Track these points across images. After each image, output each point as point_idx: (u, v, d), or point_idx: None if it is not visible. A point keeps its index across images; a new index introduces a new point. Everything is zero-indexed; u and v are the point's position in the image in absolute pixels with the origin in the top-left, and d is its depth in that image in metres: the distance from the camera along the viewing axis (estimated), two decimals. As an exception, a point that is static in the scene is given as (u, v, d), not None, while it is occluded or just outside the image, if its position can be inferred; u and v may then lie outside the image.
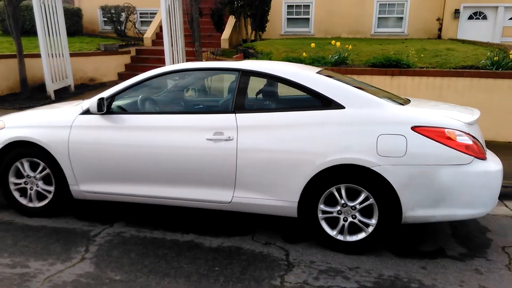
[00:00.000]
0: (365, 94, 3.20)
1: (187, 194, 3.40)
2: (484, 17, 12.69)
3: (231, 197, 3.32)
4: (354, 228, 3.18)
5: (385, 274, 2.92)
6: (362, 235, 3.15)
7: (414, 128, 2.98)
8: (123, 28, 14.88)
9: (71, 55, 9.89)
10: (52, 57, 9.07)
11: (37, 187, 3.71)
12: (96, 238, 3.39)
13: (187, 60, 9.71)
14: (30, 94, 9.27)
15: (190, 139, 3.31)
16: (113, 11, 14.58)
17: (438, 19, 13.57)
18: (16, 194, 3.78)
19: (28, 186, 3.74)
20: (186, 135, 3.32)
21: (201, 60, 8.05)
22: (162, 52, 12.12)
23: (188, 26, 8.69)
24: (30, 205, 3.76)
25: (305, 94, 3.30)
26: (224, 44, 12.28)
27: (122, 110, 3.61)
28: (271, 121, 3.20)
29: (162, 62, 11.71)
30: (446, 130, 2.97)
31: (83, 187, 3.60)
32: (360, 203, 3.10)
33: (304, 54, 7.29)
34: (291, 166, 3.13)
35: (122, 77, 11.43)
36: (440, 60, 7.34)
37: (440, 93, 6.36)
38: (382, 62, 6.73)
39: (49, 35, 8.95)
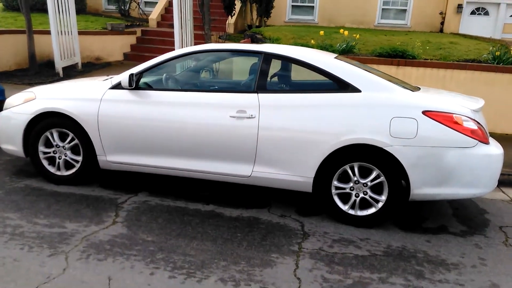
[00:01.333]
0: (379, 79, 3.43)
1: (209, 167, 3.63)
2: (486, 13, 12.91)
3: (251, 172, 3.56)
4: (364, 204, 3.44)
5: (393, 245, 3.20)
6: (372, 210, 3.42)
7: (425, 113, 3.23)
8: (127, 8, 14.90)
9: (79, 33, 9.97)
10: (61, 34, 9.18)
11: (66, 156, 3.93)
12: (123, 205, 3.62)
13: (195, 43, 9.85)
14: (38, 70, 9.39)
15: (214, 116, 3.53)
16: (119, -9, 14.57)
17: (440, 13, 13.76)
18: (45, 163, 3.99)
19: (56, 155, 3.95)
20: (210, 112, 3.55)
21: (210, 43, 8.20)
22: (167, 34, 12.28)
23: (199, 9, 8.82)
24: (58, 173, 3.98)
25: (323, 77, 3.53)
26: (230, 29, 12.41)
27: (149, 87, 3.82)
28: (291, 101, 3.43)
29: (167, 44, 11.86)
30: (454, 115, 3.23)
31: (110, 157, 3.82)
32: (372, 180, 3.36)
33: (312, 41, 7.49)
34: (308, 144, 3.37)
35: (127, 57, 11.57)
36: (443, 53, 7.57)
37: (443, 84, 6.61)
38: (388, 52, 6.95)
39: (59, 12, 9.03)
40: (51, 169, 3.99)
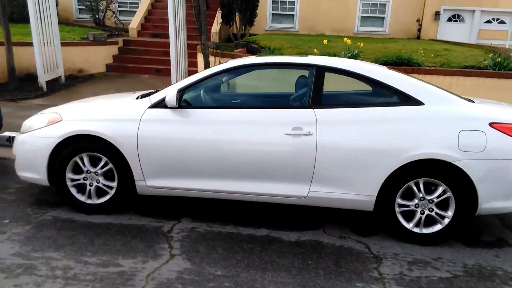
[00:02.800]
0: (441, 91, 3.34)
1: (262, 188, 3.40)
2: (462, 20, 13.38)
3: (307, 192, 3.36)
4: (429, 221, 3.32)
5: (468, 263, 3.08)
6: (438, 227, 3.30)
7: (491, 125, 3.16)
8: (101, 17, 14.34)
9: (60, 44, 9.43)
10: (44, 46, 8.63)
11: (98, 183, 3.58)
12: (171, 234, 3.32)
13: (189, 54, 9.54)
14: (18, 85, 8.80)
15: (267, 134, 3.32)
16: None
17: (417, 20, 14.13)
18: (73, 191, 3.62)
19: (87, 182, 3.59)
20: (263, 130, 3.33)
21: (207, 54, 7.95)
22: (150, 44, 11.90)
23: (195, 18, 8.53)
24: (89, 201, 3.62)
25: (380, 89, 3.39)
26: (214, 38, 12.16)
27: (190, 104, 3.55)
28: (351, 116, 3.27)
29: (152, 54, 11.48)
30: (520, 127, 3.17)
31: (150, 182, 3.50)
32: (438, 196, 3.25)
33: (315, 50, 7.39)
34: (371, 161, 3.22)
35: (110, 68, 11.09)
36: (442, 60, 7.69)
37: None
38: (394, 60, 6.97)
39: (41, 22, 8.49)
40: (81, 198, 3.62)
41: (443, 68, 7.01)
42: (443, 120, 3.19)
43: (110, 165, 3.52)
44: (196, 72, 10.23)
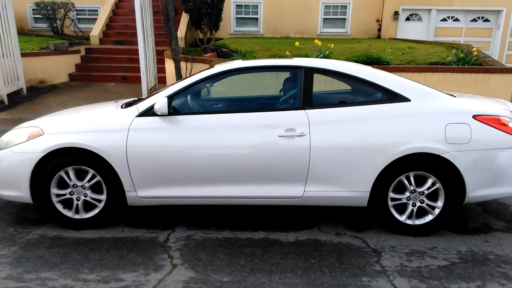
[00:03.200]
0: (426, 87, 3.46)
1: (257, 191, 3.39)
2: (419, 19, 13.93)
3: (303, 192, 3.38)
4: (421, 212, 3.42)
5: (461, 250, 3.20)
6: (429, 218, 3.41)
7: (475, 117, 3.30)
8: (59, 25, 13.86)
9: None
10: (3, 57, 8.24)
11: (85, 196, 3.44)
12: (168, 244, 3.25)
13: (158, 60, 9.39)
14: (-24, 100, 8.34)
15: (260, 137, 3.32)
16: (49, 8, 13.50)
17: (377, 20, 14.59)
18: (59, 206, 3.46)
19: (74, 197, 3.45)
20: (256, 133, 3.32)
21: (178, 59, 7.85)
22: (114, 51, 11.62)
23: (163, 24, 8.40)
24: (77, 216, 3.48)
25: (368, 88, 3.47)
26: (180, 43, 12.02)
27: (181, 111, 3.49)
28: (342, 115, 3.33)
29: (116, 62, 11.21)
30: (500, 117, 3.34)
31: (142, 192, 3.41)
32: (428, 188, 3.35)
33: (287, 52, 7.47)
34: (364, 158, 3.28)
35: (73, 78, 10.75)
36: (408, 58, 7.97)
37: (421, 87, 6.91)
38: (364, 60, 7.15)
39: (-1, 33, 8.11)
40: (68, 213, 3.47)
41: (411, 65, 7.26)
42: (430, 115, 3.30)
43: (98, 178, 3.40)
44: (165, 78, 10.12)
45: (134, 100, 4.05)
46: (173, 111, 3.46)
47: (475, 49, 7.55)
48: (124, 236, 3.38)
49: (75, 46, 11.71)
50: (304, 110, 3.35)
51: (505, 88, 7.10)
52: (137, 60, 11.08)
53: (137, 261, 2.99)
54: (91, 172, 3.39)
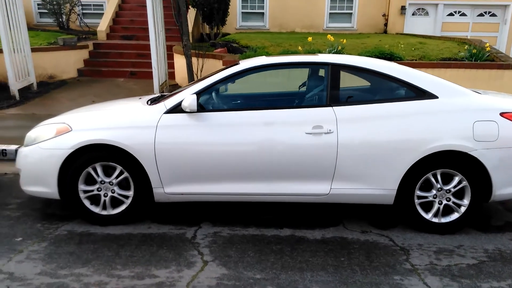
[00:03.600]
0: (452, 84, 3.46)
1: (284, 189, 3.40)
2: (426, 13, 13.87)
3: (329, 189, 3.39)
4: (446, 210, 3.44)
5: (488, 248, 3.22)
6: (455, 216, 3.42)
7: (502, 114, 3.30)
8: (64, 20, 13.82)
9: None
10: (14, 52, 8.21)
11: (113, 193, 3.46)
12: (196, 240, 3.27)
13: (170, 55, 9.37)
14: (-13, 94, 8.34)
15: (288, 134, 3.32)
16: (55, 2, 13.45)
17: (383, 15, 14.53)
18: (87, 202, 3.48)
19: (101, 193, 3.46)
20: (283, 130, 3.33)
21: (190, 55, 7.83)
22: (122, 46, 11.58)
23: (175, 19, 8.37)
24: (104, 213, 3.49)
25: (395, 84, 3.47)
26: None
27: (206, 108, 3.50)
28: (369, 112, 3.33)
29: (125, 57, 11.19)
30: (527, 115, 3.34)
31: (169, 189, 3.43)
32: (454, 186, 3.36)
33: (299, 48, 7.46)
34: (392, 156, 3.29)
35: (82, 73, 10.71)
36: (419, 53, 7.95)
37: (434, 83, 6.91)
38: (377, 55, 7.14)
39: (10, 28, 8.08)
40: (95, 209, 3.49)
41: (424, 61, 7.25)
42: (458, 112, 3.30)
43: (126, 174, 3.41)
44: (173, 73, 10.11)
45: (158, 96, 4.05)
46: (199, 108, 3.47)
47: (487, 44, 7.53)
48: (152, 232, 3.39)
49: (83, 41, 11.67)
50: (331, 107, 3.36)
51: (518, 85, 7.09)
52: (145, 55, 11.12)
53: (168, 257, 3.00)
54: (119, 168, 3.40)
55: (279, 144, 3.32)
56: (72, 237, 3.28)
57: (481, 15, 13.79)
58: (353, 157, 3.31)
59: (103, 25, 12.53)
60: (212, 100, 3.67)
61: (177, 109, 3.38)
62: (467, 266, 2.95)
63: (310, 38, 7.77)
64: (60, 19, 13.77)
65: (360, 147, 3.30)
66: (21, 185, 3.56)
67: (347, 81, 3.92)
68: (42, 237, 3.27)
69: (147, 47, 11.32)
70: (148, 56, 11.03)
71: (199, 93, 3.40)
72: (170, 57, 10.16)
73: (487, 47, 7.34)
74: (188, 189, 3.43)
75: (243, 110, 3.41)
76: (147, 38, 12.23)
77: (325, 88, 3.44)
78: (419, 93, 3.39)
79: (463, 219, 3.42)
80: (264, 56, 3.85)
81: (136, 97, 4.27)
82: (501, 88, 6.94)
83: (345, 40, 7.66)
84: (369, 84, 3.75)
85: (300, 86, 4.35)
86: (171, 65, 10.12)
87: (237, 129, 3.33)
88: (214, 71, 3.91)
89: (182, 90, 3.61)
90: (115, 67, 10.91)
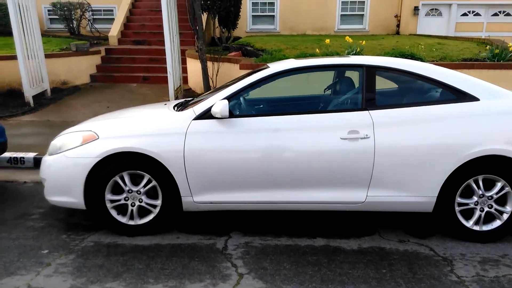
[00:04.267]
0: (493, 85, 3.32)
1: (318, 196, 3.28)
2: (440, 14, 13.70)
3: (365, 197, 3.26)
4: (488, 217, 3.28)
5: (535, 257, 3.06)
6: (497, 223, 3.27)
7: (545, 118, 3.15)
8: (75, 26, 13.82)
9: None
10: (28, 59, 8.17)
11: (141, 202, 3.35)
12: (228, 251, 3.14)
13: (183, 60, 9.29)
14: (2, 101, 8.31)
15: (322, 139, 3.19)
16: (66, 8, 13.45)
17: (396, 16, 14.38)
18: (113, 212, 3.37)
19: (129, 202, 3.35)
20: (317, 135, 3.20)
21: (205, 59, 7.74)
22: (134, 51, 11.54)
23: (190, 23, 8.28)
24: (131, 223, 3.38)
25: (433, 87, 3.34)
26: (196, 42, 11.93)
27: (235, 113, 3.39)
28: (407, 116, 3.19)
29: (137, 62, 11.13)
30: None
31: (198, 198, 3.31)
32: (497, 192, 3.21)
33: (317, 50, 7.33)
34: (432, 161, 3.15)
35: (95, 79, 10.67)
36: (439, 54, 7.79)
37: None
38: (397, 56, 6.97)
39: (24, 34, 8.04)
40: (122, 219, 3.38)
41: (445, 62, 7.09)
42: (500, 115, 3.16)
43: (154, 183, 3.30)
44: (187, 78, 10.02)
45: (184, 101, 3.95)
46: (236, 112, 3.36)
47: (510, 44, 7.36)
48: (181, 242, 3.27)
49: (94, 47, 11.64)
50: (367, 111, 3.23)
51: (543, 85, 6.91)
52: (158, 60, 11.07)
53: (201, 269, 2.88)
54: (147, 177, 3.29)
55: (313, 150, 3.19)
56: (99, 249, 3.17)
57: (495, 14, 13.60)
58: (391, 163, 3.17)
59: (114, 30, 12.50)
60: (240, 105, 3.55)
61: (206, 115, 3.27)
62: (517, 278, 2.80)
63: (327, 41, 7.64)
64: (71, 25, 13.79)
65: (398, 153, 3.16)
66: (45, 195, 3.46)
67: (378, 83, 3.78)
68: (68, 249, 3.17)
69: (159, 52, 11.33)
70: (161, 60, 11.02)
71: (229, 98, 3.28)
72: (183, 61, 10.08)
73: (510, 46, 7.16)
74: (218, 198, 3.31)
75: (274, 115, 3.29)
76: (158, 42, 12.26)
77: (360, 91, 3.31)
78: (460, 96, 3.25)
79: (505, 227, 3.26)
80: (292, 59, 3.73)
81: (161, 103, 4.17)
82: (526, 89, 6.76)
83: (364, 41, 7.52)
84: (403, 86, 3.60)
85: (325, 89, 4.22)
86: (184, 70, 10.04)
87: (269, 135, 3.21)
88: (241, 76, 3.80)
89: (210, 95, 3.49)
90: (127, 72, 10.86)
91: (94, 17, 14.91)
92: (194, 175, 3.24)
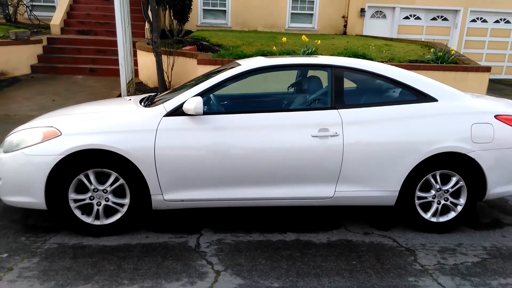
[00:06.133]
0: (450, 87, 3.55)
1: (289, 193, 3.34)
2: (384, 16, 14.34)
3: (333, 192, 3.37)
4: (444, 210, 3.53)
5: (486, 246, 3.34)
6: (452, 215, 3.52)
7: (497, 117, 3.44)
8: (10, 12, 12.87)
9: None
10: (-37, 47, 7.52)
11: (107, 201, 3.22)
12: (201, 249, 3.12)
13: (133, 52, 8.99)
14: None
15: (293, 137, 3.26)
16: (2, -8, 12.49)
17: (343, 17, 14.86)
18: (77, 212, 3.22)
19: (94, 202, 3.22)
20: (289, 133, 3.26)
21: (160, 52, 7.56)
22: (79, 42, 11.00)
23: (143, 15, 8.02)
24: (97, 223, 3.25)
25: (397, 88, 3.51)
26: (148, 35, 11.60)
27: (209, 110, 3.36)
28: (374, 115, 3.34)
29: (82, 53, 10.63)
30: (518, 117, 3.50)
31: (168, 196, 3.25)
32: (452, 186, 3.46)
33: (274, 48, 7.41)
34: (396, 158, 3.32)
35: (36, 70, 10.04)
36: (388, 55, 8.18)
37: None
38: (350, 56, 7.24)
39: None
40: (87, 219, 3.24)
41: (394, 62, 7.46)
42: (457, 115, 3.39)
43: (121, 181, 3.19)
44: (137, 71, 9.72)
45: (149, 96, 3.85)
46: (207, 109, 3.33)
47: (452, 48, 7.89)
48: (151, 242, 3.20)
49: (35, 36, 10.93)
50: (336, 110, 3.33)
51: (480, 86, 7.50)
52: (106, 52, 10.64)
53: (176, 268, 2.84)
54: (114, 175, 3.18)
55: (285, 147, 3.25)
56: (65, 251, 3.02)
57: (434, 19, 14.47)
58: (358, 160, 3.31)
59: (56, 18, 11.82)
60: (211, 102, 3.52)
61: (178, 111, 3.21)
62: (472, 264, 3.04)
63: (284, 39, 7.74)
64: (7, 11, 12.81)
65: (365, 150, 3.30)
66: (0, 195, 3.23)
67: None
68: (30, 252, 2.99)
69: (107, 43, 10.90)
70: (109, 52, 10.61)
71: (201, 95, 3.24)
72: (133, 53, 9.75)
73: (451, 50, 7.68)
74: (189, 196, 3.27)
75: (247, 112, 3.30)
76: (105, 33, 11.78)
77: (329, 91, 3.41)
78: (420, 96, 3.45)
79: (459, 218, 3.52)
80: (262, 57, 3.76)
81: (124, 98, 4.02)
82: (466, 90, 7.28)
83: (319, 40, 7.71)
84: (368, 87, 3.74)
85: (289, 87, 4.30)
86: (134, 62, 9.72)
87: (242, 133, 3.22)
88: (208, 72, 3.77)
89: (179, 91, 3.43)
90: (72, 64, 10.33)
91: (33, 3, 13.96)
92: (165, 172, 3.17)
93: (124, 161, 3.14)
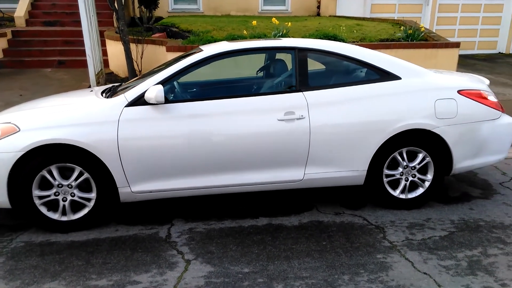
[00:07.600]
0: (412, 65, 3.57)
1: (257, 178, 3.33)
2: (356, -5, 14.27)
3: (303, 175, 3.38)
4: (412, 186, 3.58)
5: (454, 219, 3.41)
6: (420, 191, 3.58)
7: (460, 92, 3.48)
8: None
9: None
10: None
11: (73, 196, 3.16)
12: (172, 239, 3.10)
13: (102, 41, 8.76)
14: None
15: (260, 122, 3.24)
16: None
17: (316, -2, 14.75)
18: (43, 209, 3.15)
19: (60, 197, 3.15)
20: (255, 118, 3.24)
21: (128, 41, 7.39)
22: (45, 34, 10.67)
23: (108, 3, 7.79)
24: (64, 218, 3.19)
25: (361, 67, 3.51)
26: (116, 23, 11.31)
27: (170, 98, 3.30)
28: (339, 96, 3.34)
29: (50, 45, 10.33)
30: (481, 91, 3.55)
31: (136, 187, 3.20)
32: (419, 163, 3.51)
33: (245, 32, 7.33)
34: (362, 137, 3.34)
35: (1, 64, 9.70)
36: (359, 35, 8.18)
37: (377, 63, 7.14)
38: (321, 37, 7.21)
39: None
40: (53, 216, 3.17)
41: (365, 42, 7.47)
42: (420, 92, 3.42)
43: (86, 175, 3.13)
44: (107, 61, 9.50)
45: (112, 87, 3.75)
46: (171, 98, 3.27)
47: (422, 25, 7.93)
48: (121, 235, 3.16)
49: (0, 29, 10.55)
50: (301, 92, 3.32)
51: (450, 62, 7.57)
52: (74, 43, 10.35)
53: (146, 260, 2.82)
54: (78, 169, 3.11)
55: (251, 132, 3.22)
56: (32, 249, 2.96)
57: (405, -4, 14.48)
58: (325, 142, 3.31)
59: (20, 10, 11.41)
60: (174, 90, 3.46)
61: (139, 101, 3.14)
62: (439, 238, 3.10)
63: (254, 22, 7.64)
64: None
65: (331, 132, 3.30)
66: (-40, 196, 3.13)
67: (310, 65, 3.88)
68: (-5, 253, 2.92)
69: (75, 33, 10.59)
70: (77, 43, 10.31)
71: (163, 83, 3.18)
72: (102, 43, 9.51)
73: (421, 27, 7.72)
74: (157, 186, 3.23)
75: (211, 99, 3.25)
76: (73, 23, 11.45)
77: (294, 73, 3.38)
78: (384, 75, 3.46)
79: (427, 193, 3.58)
80: (225, 42, 3.70)
81: (86, 89, 3.92)
82: (436, 66, 7.37)
83: (289, 23, 7.64)
84: (332, 67, 3.74)
85: (257, 71, 4.26)
86: (104, 52, 9.50)
87: (206, 120, 3.18)
88: (172, 59, 3.69)
89: (140, 80, 3.35)
90: (39, 57, 10.03)
91: (-6, -5, 13.42)
92: (131, 164, 3.12)
93: (88, 154, 3.08)
